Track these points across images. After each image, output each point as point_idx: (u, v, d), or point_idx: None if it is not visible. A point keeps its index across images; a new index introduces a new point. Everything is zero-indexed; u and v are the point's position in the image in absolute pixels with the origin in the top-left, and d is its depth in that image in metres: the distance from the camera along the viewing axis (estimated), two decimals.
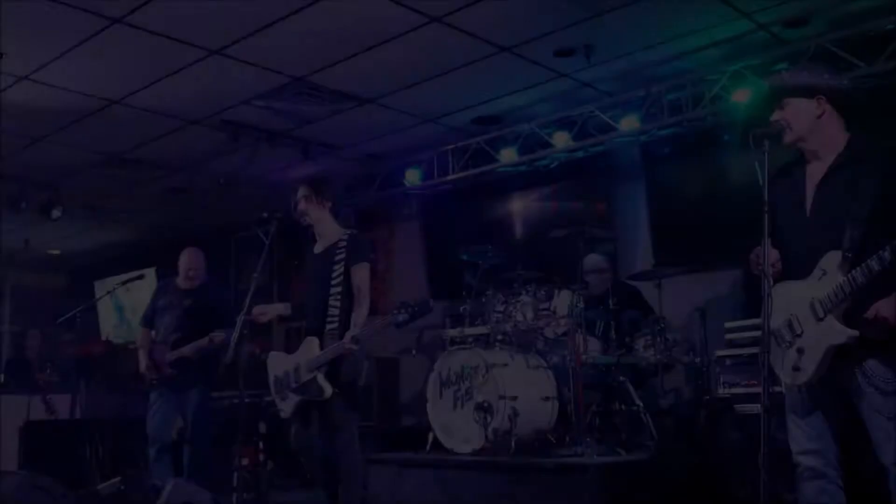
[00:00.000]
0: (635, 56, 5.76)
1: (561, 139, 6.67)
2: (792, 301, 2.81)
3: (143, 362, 5.70)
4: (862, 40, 5.23)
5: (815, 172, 2.92)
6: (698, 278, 6.44)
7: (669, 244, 6.64)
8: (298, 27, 5.15)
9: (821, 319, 2.72)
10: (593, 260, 6.32)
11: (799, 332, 2.79)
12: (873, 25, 5.16)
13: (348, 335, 4.07)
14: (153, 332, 5.89)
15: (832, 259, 2.72)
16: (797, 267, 2.86)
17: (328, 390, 4.11)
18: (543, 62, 5.81)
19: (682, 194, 6.72)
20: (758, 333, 4.52)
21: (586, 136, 6.63)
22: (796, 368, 2.80)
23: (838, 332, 2.68)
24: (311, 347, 4.24)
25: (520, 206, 7.74)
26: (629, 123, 6.30)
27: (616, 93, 6.37)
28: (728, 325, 5.05)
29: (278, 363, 4.44)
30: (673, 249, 6.54)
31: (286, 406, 4.34)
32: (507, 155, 7.03)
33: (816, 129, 2.89)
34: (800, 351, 2.77)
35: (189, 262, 5.89)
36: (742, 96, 5.69)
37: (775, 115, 2.95)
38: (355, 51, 5.54)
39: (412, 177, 7.77)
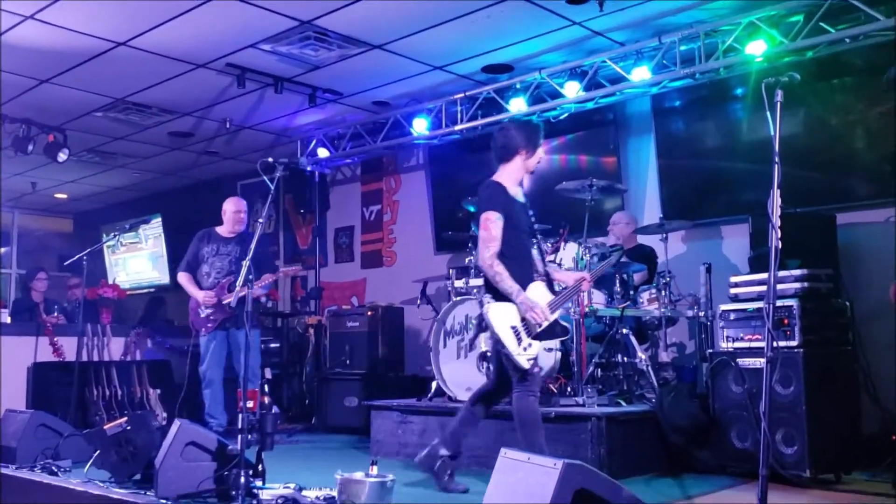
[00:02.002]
0: (648, 4, 5.65)
1: (572, 89, 6.58)
2: None
3: (200, 296, 6.14)
4: None
5: None
6: (705, 233, 6.43)
7: (677, 198, 6.61)
8: None
9: None
10: (622, 217, 6.36)
11: None
12: None
13: (583, 275, 4.40)
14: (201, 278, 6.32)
15: None
16: None
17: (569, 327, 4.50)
18: (555, 9, 5.70)
19: (691, 148, 6.66)
20: (763, 288, 4.56)
21: (597, 86, 6.55)
22: None
23: None
24: (544, 291, 4.18)
25: None
26: (640, 74, 6.21)
27: (628, 42, 6.27)
28: (733, 279, 5.06)
29: (509, 313, 4.07)
30: (681, 203, 6.52)
31: (532, 351, 4.03)
32: (517, 104, 6.95)
33: None
34: None
35: (237, 206, 6.42)
36: (755, 48, 5.59)
37: None
38: None
39: (420, 126, 7.68)
